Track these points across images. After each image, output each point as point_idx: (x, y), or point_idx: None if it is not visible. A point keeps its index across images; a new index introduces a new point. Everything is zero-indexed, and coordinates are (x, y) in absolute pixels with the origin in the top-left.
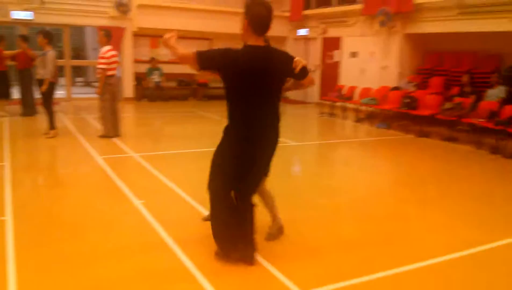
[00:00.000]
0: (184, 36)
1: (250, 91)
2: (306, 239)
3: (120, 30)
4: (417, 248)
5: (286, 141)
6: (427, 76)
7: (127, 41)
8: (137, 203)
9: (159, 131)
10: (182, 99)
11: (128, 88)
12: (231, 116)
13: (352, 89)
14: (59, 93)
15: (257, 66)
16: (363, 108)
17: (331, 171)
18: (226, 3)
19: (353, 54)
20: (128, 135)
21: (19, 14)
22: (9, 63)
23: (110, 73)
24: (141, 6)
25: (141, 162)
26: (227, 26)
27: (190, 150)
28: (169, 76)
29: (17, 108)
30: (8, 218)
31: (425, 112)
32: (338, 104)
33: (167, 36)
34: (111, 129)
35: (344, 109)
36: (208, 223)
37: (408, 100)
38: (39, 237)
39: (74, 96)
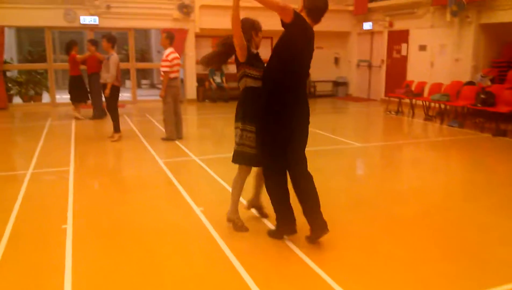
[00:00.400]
0: None
1: (304, 67)
2: (384, 252)
3: (183, 32)
4: (499, 265)
5: (350, 142)
6: (504, 69)
7: (190, 43)
8: (197, 210)
9: (221, 133)
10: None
11: (190, 89)
12: (283, 94)
13: (422, 85)
14: (125, 95)
15: (311, 43)
16: (434, 105)
17: (400, 175)
18: (289, 1)
19: (422, 48)
20: (191, 137)
21: (85, 19)
22: (81, 67)
23: (172, 76)
24: (203, 7)
25: (202, 165)
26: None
27: None
28: (230, 77)
29: (90, 111)
30: (69, 225)
31: (503, 108)
32: (406, 101)
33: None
34: (174, 132)
35: (413, 106)
36: (266, 236)
37: (484, 96)
38: (98, 242)
39: (139, 98)
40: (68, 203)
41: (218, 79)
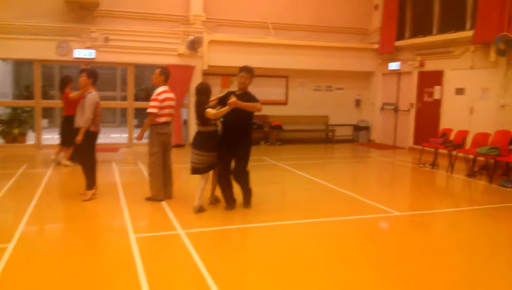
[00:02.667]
0: (258, 74)
1: None
2: None
3: (189, 69)
4: None
5: (386, 209)
6: None
7: (197, 80)
8: None
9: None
10: (253, 144)
11: (194, 131)
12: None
13: (462, 134)
14: (123, 137)
15: None
16: (474, 156)
17: (479, 266)
18: (305, 37)
19: (459, 91)
20: (182, 196)
21: (79, 53)
22: None
23: (162, 120)
24: (212, 42)
25: (187, 245)
26: (305, 62)
27: (259, 223)
28: None
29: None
30: None
31: None
32: (441, 151)
33: (233, 100)
34: (161, 191)
35: (451, 159)
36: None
37: None
38: None
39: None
40: None
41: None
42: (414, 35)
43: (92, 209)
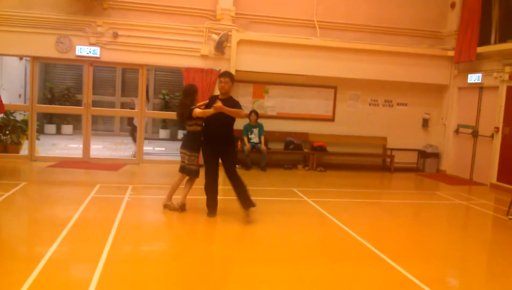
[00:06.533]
0: (299, 83)
1: None
2: None
3: (213, 74)
4: None
5: None
6: None
7: None
8: None
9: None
10: (289, 167)
11: None
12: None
13: None
14: (129, 148)
15: None
16: None
17: None
18: (360, 39)
19: None
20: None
21: (82, 50)
22: None
23: None
24: (242, 43)
25: None
26: (360, 69)
27: None
28: (272, 136)
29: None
30: None
31: None
32: None
33: (219, 104)
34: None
35: None
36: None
37: None
38: None
39: (149, 157)
40: None
41: (255, 138)
42: (502, 39)
43: None
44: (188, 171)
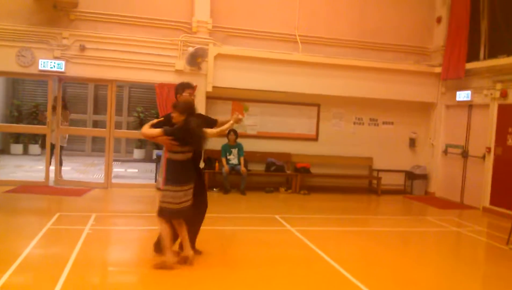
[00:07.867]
0: (280, 100)
1: None
2: None
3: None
4: None
5: None
6: None
7: (198, 105)
8: None
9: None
10: (270, 190)
11: None
12: None
13: None
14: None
15: None
16: None
17: None
18: (344, 54)
19: None
20: None
21: (45, 64)
22: None
23: None
24: (220, 57)
25: None
26: (344, 86)
27: None
28: (253, 156)
29: None
30: None
31: None
32: None
33: (240, 116)
34: None
35: None
36: None
37: None
38: None
39: (117, 180)
40: None
41: (234, 159)
42: (492, 54)
43: None
44: (166, 211)
